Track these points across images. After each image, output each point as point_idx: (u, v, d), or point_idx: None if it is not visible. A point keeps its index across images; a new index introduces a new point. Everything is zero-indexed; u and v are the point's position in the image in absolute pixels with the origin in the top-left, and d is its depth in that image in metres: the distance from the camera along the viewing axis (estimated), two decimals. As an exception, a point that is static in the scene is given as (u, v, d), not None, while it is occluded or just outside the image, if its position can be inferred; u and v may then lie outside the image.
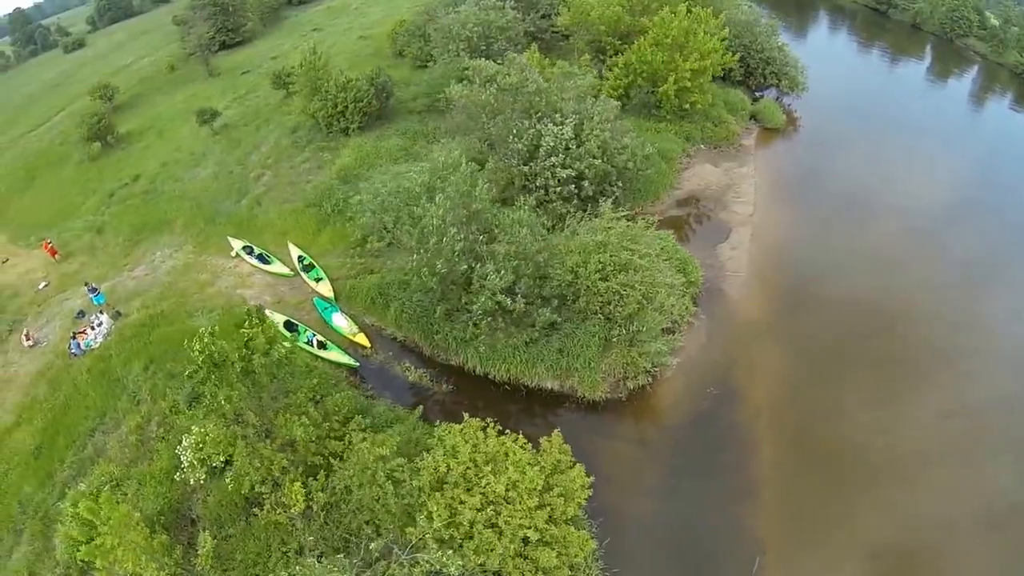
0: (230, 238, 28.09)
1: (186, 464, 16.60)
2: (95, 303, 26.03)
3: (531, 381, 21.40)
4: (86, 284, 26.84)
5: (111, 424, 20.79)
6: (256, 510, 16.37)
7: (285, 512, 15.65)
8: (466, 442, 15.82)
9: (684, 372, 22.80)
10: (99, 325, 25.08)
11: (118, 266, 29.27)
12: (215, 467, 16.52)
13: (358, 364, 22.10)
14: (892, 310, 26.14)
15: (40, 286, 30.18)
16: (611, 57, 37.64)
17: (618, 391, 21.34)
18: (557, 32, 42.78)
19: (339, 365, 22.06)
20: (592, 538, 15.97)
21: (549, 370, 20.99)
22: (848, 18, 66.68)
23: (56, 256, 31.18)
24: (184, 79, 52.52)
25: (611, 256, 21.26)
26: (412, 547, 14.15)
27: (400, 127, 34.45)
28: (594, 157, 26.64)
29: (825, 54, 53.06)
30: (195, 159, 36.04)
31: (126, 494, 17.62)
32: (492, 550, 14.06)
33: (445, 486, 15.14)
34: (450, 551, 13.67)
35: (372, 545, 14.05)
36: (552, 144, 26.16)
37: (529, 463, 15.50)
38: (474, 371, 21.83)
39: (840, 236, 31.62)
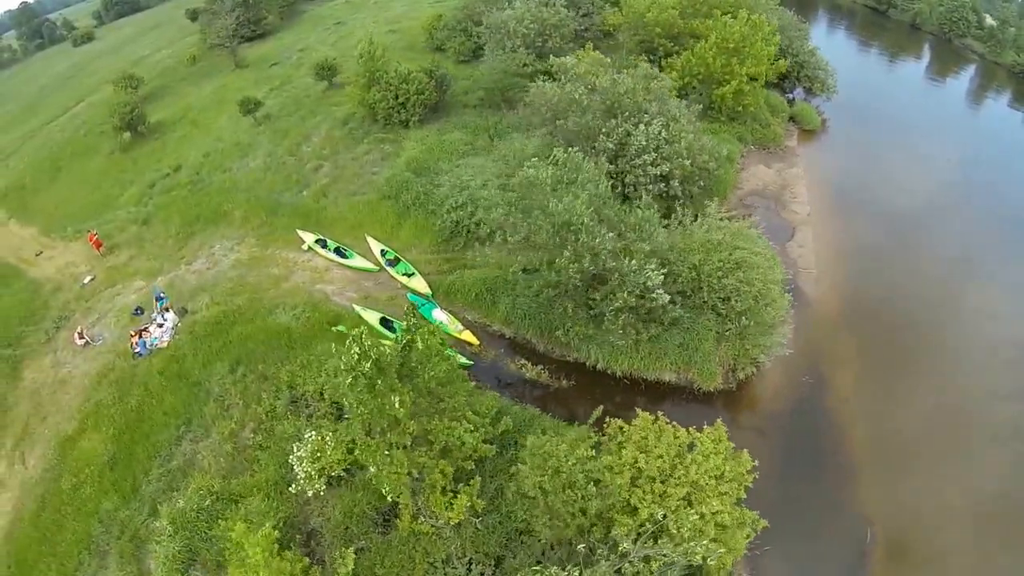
0: (300, 231, 25.28)
1: (303, 475, 14.43)
2: (158, 305, 22.91)
3: (650, 374, 20.35)
4: (156, 291, 23.50)
5: (199, 432, 18.02)
6: (397, 520, 14.29)
7: (432, 521, 13.88)
8: (646, 436, 14.32)
9: (780, 362, 22.07)
10: (165, 322, 22.11)
11: (173, 259, 26.16)
12: (335, 476, 14.55)
13: (472, 363, 19.79)
14: (946, 302, 26.04)
15: (85, 280, 26.87)
16: (663, 58, 35.91)
17: (728, 382, 20.90)
18: (598, 30, 40.94)
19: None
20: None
21: (672, 363, 20.11)
22: (847, 17, 65.52)
23: (100, 249, 27.86)
24: (208, 71, 48.73)
25: (728, 254, 20.54)
26: (614, 545, 12.83)
27: (458, 121, 31.93)
28: (683, 157, 25.36)
29: (828, 54, 52.54)
30: (241, 149, 32.87)
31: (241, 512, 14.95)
32: (701, 538, 12.83)
33: (639, 481, 13.61)
34: (691, 542, 12.51)
35: (580, 547, 12.80)
36: (644, 143, 24.74)
37: (714, 452, 14.13)
38: (594, 367, 20.19)
39: (891, 233, 30.87)
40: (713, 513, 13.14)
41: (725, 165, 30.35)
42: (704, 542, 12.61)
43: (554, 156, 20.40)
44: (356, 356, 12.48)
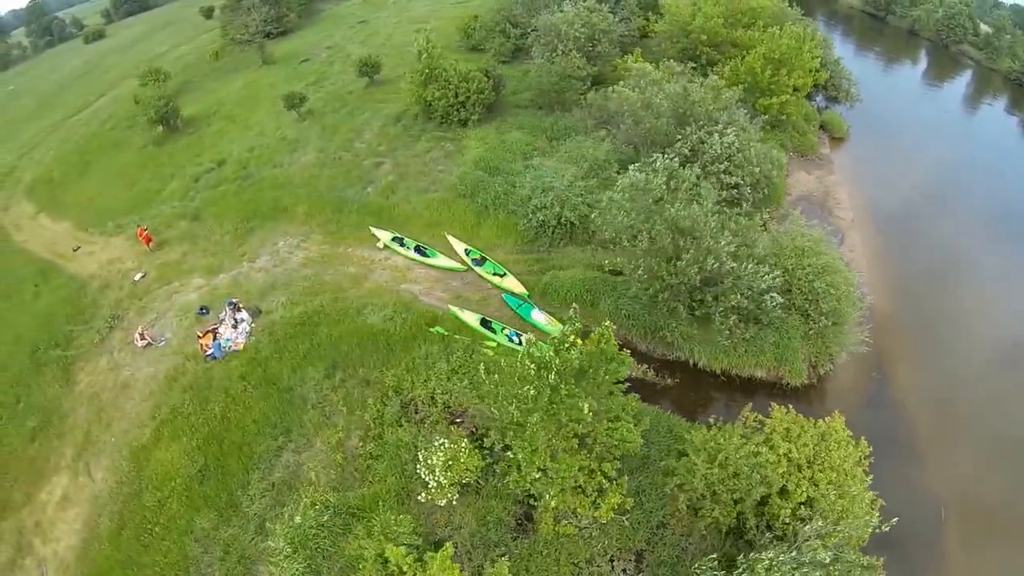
0: (373, 228, 23.31)
1: (434, 484, 13.29)
2: (228, 307, 20.70)
3: (745, 371, 20.03)
4: (230, 303, 20.86)
5: (301, 441, 16.02)
6: (532, 524, 13.47)
7: (575, 522, 13.35)
8: (789, 428, 14.39)
9: (852, 359, 22.12)
10: (239, 323, 19.97)
11: (233, 256, 23.90)
12: (465, 484, 13.53)
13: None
14: (989, 296, 26.02)
15: (136, 277, 24.40)
16: (706, 66, 35.10)
17: (810, 377, 20.87)
18: (633, 36, 39.90)
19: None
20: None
21: (766, 361, 19.91)
22: (845, 23, 65.21)
23: (150, 244, 25.39)
24: (233, 66, 46.00)
25: (815, 259, 20.69)
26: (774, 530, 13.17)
27: (514, 121, 30.35)
28: (753, 165, 24.87)
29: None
30: (289, 144, 30.61)
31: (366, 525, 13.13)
32: (849, 517, 13.32)
33: (789, 468, 13.69)
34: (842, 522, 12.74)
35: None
36: (718, 151, 24.13)
37: (845, 440, 14.42)
38: (695, 365, 19.61)
39: (928, 235, 30.81)
40: (854, 495, 13.60)
41: (779, 172, 29.74)
42: (855, 521, 12.97)
43: (654, 163, 20.09)
44: (534, 368, 12.05)
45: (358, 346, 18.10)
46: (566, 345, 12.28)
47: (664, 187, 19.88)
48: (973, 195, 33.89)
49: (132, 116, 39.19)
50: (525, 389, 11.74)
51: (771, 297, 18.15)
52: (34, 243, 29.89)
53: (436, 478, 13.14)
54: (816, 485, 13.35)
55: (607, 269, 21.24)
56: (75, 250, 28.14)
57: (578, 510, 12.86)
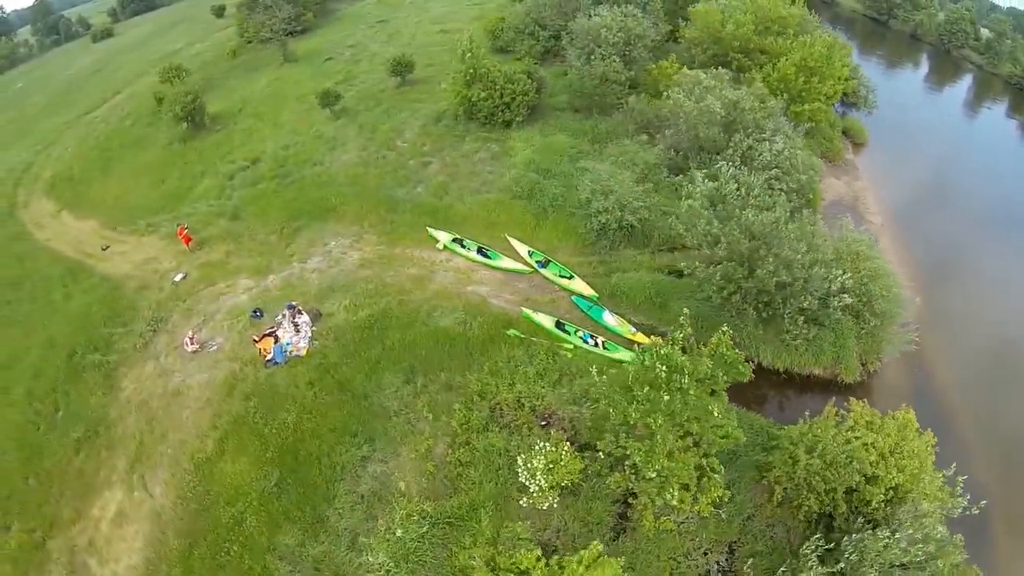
0: (431, 229, 22.09)
1: (535, 488, 13.03)
2: (287, 309, 19.25)
3: (804, 370, 20.08)
4: (289, 306, 19.46)
5: (387, 450, 14.78)
6: (629, 523, 13.53)
7: (674, 517, 13.41)
8: (872, 420, 14.65)
9: (894, 358, 22.11)
10: (302, 327, 18.56)
11: (282, 257, 22.44)
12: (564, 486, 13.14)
13: (630, 362, 17.38)
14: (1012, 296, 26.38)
15: (176, 278, 22.78)
16: (737, 72, 34.56)
17: (862, 375, 21.11)
18: (662, 41, 39.22)
19: (623, 364, 17.16)
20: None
21: (825, 359, 20.22)
22: (847, 26, 64.65)
23: (190, 244, 23.77)
24: (253, 64, 44.15)
25: (868, 262, 21.05)
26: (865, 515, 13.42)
27: (556, 123, 29.45)
28: (799, 172, 24.68)
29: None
30: (326, 143, 29.13)
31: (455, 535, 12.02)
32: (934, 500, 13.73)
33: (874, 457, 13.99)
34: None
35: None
36: (769, 159, 23.83)
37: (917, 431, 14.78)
38: (759, 364, 19.32)
39: (953, 236, 30.82)
40: (931, 480, 13.97)
41: (816, 178, 29.40)
42: (947, 502, 13.32)
43: (721, 171, 20.48)
44: (665, 371, 12.09)
45: (435, 350, 16.98)
46: (679, 348, 12.59)
47: (737, 194, 20.02)
48: (988, 199, 33.84)
49: (153, 113, 37.26)
50: (650, 392, 11.91)
51: (840, 298, 18.38)
52: (59, 242, 27.94)
53: (538, 482, 12.51)
54: (901, 471, 13.67)
55: (670, 271, 21.11)
56: (104, 249, 26.34)
57: (679, 505, 12.84)
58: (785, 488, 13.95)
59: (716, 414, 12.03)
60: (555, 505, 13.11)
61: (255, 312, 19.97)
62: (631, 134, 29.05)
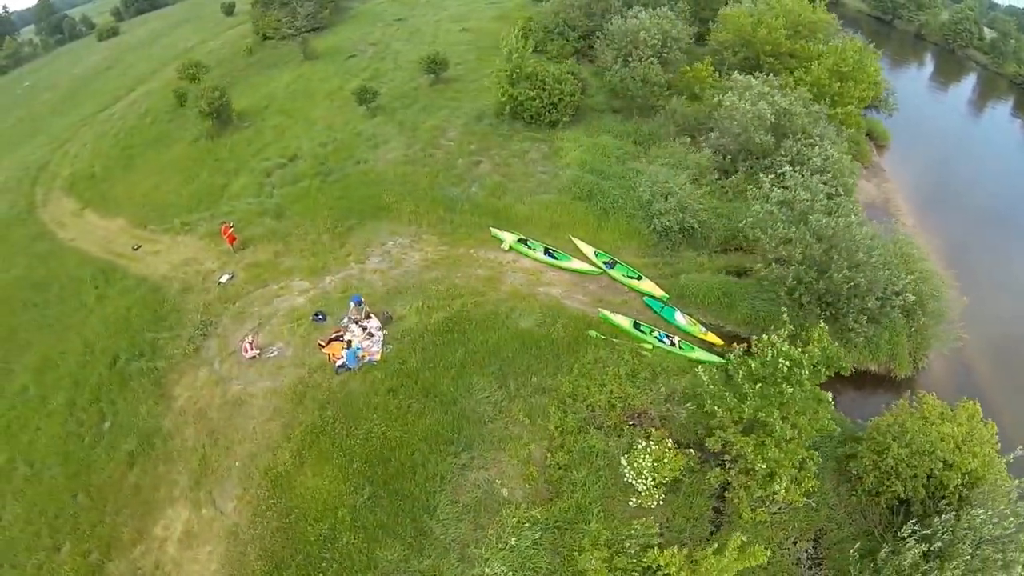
0: (495, 230, 21.10)
1: (643, 487, 13.20)
2: (353, 304, 18.09)
3: (861, 365, 20.12)
4: (356, 300, 18.24)
5: (486, 457, 13.84)
6: (738, 514, 13.60)
7: (768, 508, 13.77)
8: (941, 411, 15.20)
9: (938, 354, 22.36)
10: (372, 331, 17.35)
11: (337, 257, 21.13)
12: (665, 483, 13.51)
13: (727, 362, 16.72)
14: None
15: (222, 279, 21.35)
16: (768, 75, 34.30)
17: (912, 370, 21.46)
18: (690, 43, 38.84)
19: (701, 363, 16.78)
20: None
21: (882, 355, 20.58)
22: (852, 25, 62.74)
23: (234, 243, 22.37)
24: (271, 61, 42.52)
25: (919, 263, 21.86)
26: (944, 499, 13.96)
27: (599, 124, 28.73)
28: (845, 176, 24.60)
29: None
30: (367, 140, 27.82)
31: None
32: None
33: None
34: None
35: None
36: (820, 163, 23.74)
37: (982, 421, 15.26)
38: None
39: (986, 238, 30.95)
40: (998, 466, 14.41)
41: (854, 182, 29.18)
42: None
43: (787, 176, 20.70)
44: (787, 366, 12.79)
45: (520, 353, 16.08)
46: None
47: (808, 200, 20.06)
48: (1011, 199, 34.30)
49: (172, 110, 35.59)
50: (763, 387, 12.63)
51: (903, 298, 18.78)
52: (85, 241, 26.22)
53: (645, 481, 12.84)
54: (976, 457, 14.19)
55: (727, 271, 21.29)
56: (135, 249, 24.75)
57: (784, 496, 13.14)
58: (872, 476, 14.46)
59: (830, 399, 12.98)
60: (660, 503, 13.12)
61: (317, 315, 18.70)
62: (672, 136, 28.63)
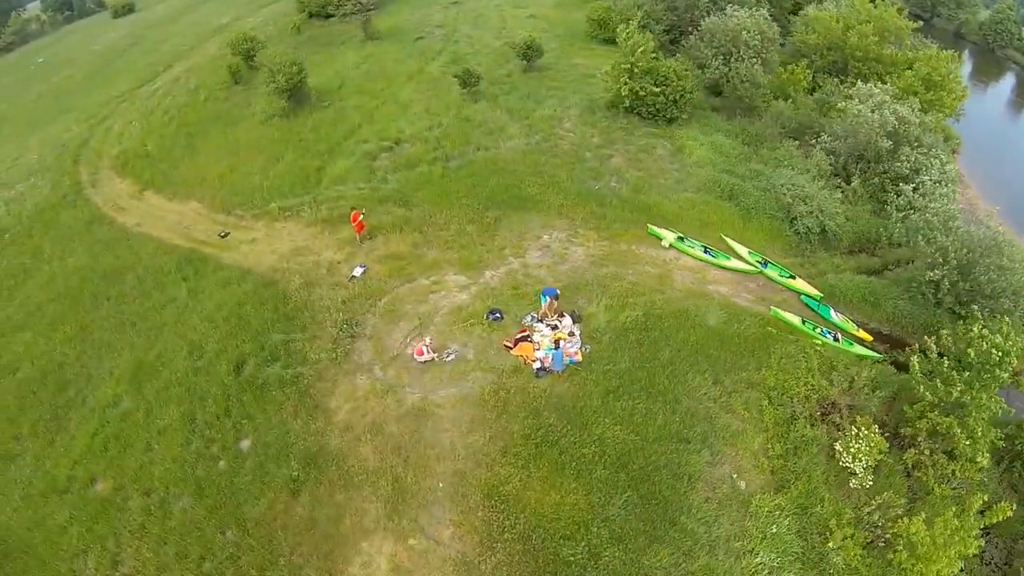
0: (653, 227, 19.96)
1: (860, 470, 13.98)
2: (548, 298, 15.81)
3: None
4: (550, 291, 16.54)
5: (724, 453, 13.48)
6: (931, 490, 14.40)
7: (949, 484, 14.62)
8: None
9: None
10: (571, 328, 15.13)
11: (491, 250, 18.91)
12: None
13: (882, 356, 18.31)
14: None
15: (355, 272, 18.67)
16: (856, 79, 34.08)
17: None
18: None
19: (862, 357, 17.81)
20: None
21: None
22: None
23: (361, 232, 19.62)
24: (324, 40, 39.20)
25: None
26: None
27: (709, 123, 27.89)
28: (953, 183, 25.58)
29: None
30: (479, 126, 25.50)
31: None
32: None
33: None
34: None
35: None
36: (938, 176, 24.06)
37: None
38: None
39: None
40: None
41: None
42: None
43: (924, 185, 22.09)
44: (999, 355, 14.28)
45: (721, 350, 15.72)
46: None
47: (946, 209, 21.05)
48: None
49: (227, 87, 32.37)
50: (970, 375, 14.18)
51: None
52: (155, 227, 22.93)
53: (862, 464, 13.77)
54: None
55: (859, 271, 21.75)
56: (223, 236, 21.73)
57: (976, 473, 14.49)
58: None
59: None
60: (870, 484, 14.05)
61: (493, 313, 16.35)
62: (778, 138, 28.02)
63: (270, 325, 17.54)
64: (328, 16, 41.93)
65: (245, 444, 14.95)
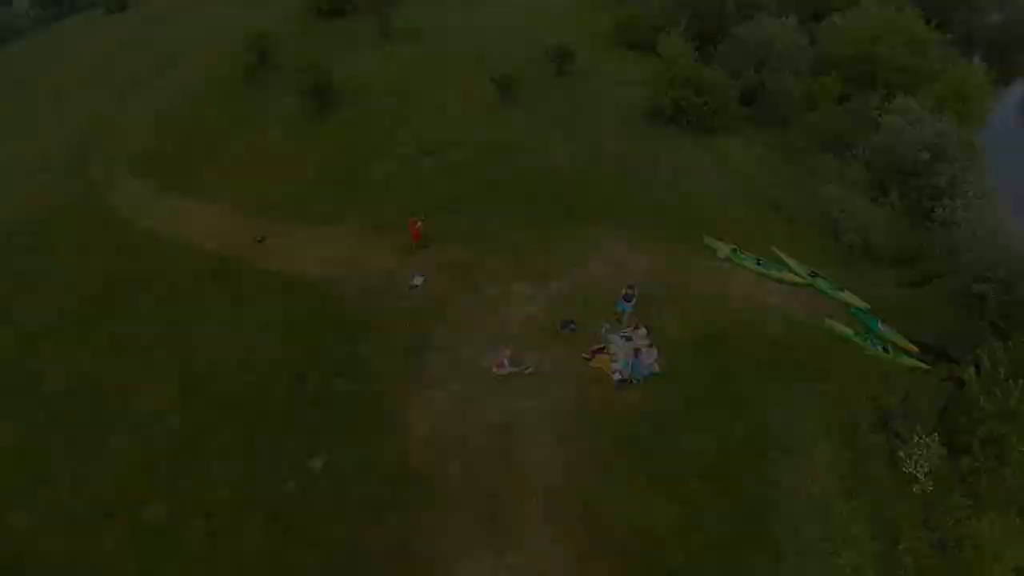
0: (708, 239, 20.09)
1: (922, 475, 14.07)
2: (620, 310, 15.66)
3: None
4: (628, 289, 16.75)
5: (802, 459, 13.74)
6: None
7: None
8: None
9: None
10: (645, 339, 15.12)
11: (552, 259, 18.66)
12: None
13: (929, 367, 18.29)
14: None
15: (415, 281, 18.19)
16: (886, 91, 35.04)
17: None
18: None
19: (911, 369, 18.00)
20: None
21: None
22: None
23: (418, 241, 19.08)
24: (340, 40, 37.87)
25: None
26: None
27: (743, 133, 28.09)
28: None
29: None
30: (523, 134, 25.11)
31: None
32: None
33: None
34: None
35: None
36: (977, 190, 24.13)
37: None
38: None
39: None
40: None
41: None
42: None
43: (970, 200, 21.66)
44: None
45: (786, 360, 15.95)
46: None
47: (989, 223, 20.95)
48: None
49: (242, 86, 31.03)
50: None
51: None
52: (182, 231, 21.88)
53: (924, 469, 14.09)
54: None
55: (899, 284, 21.96)
56: (259, 241, 20.84)
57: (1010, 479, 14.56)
58: None
59: None
60: (931, 488, 14.27)
61: (567, 324, 16.08)
62: (815, 150, 28.56)
63: (329, 337, 16.85)
64: (340, 13, 40.97)
65: (317, 463, 14.23)
